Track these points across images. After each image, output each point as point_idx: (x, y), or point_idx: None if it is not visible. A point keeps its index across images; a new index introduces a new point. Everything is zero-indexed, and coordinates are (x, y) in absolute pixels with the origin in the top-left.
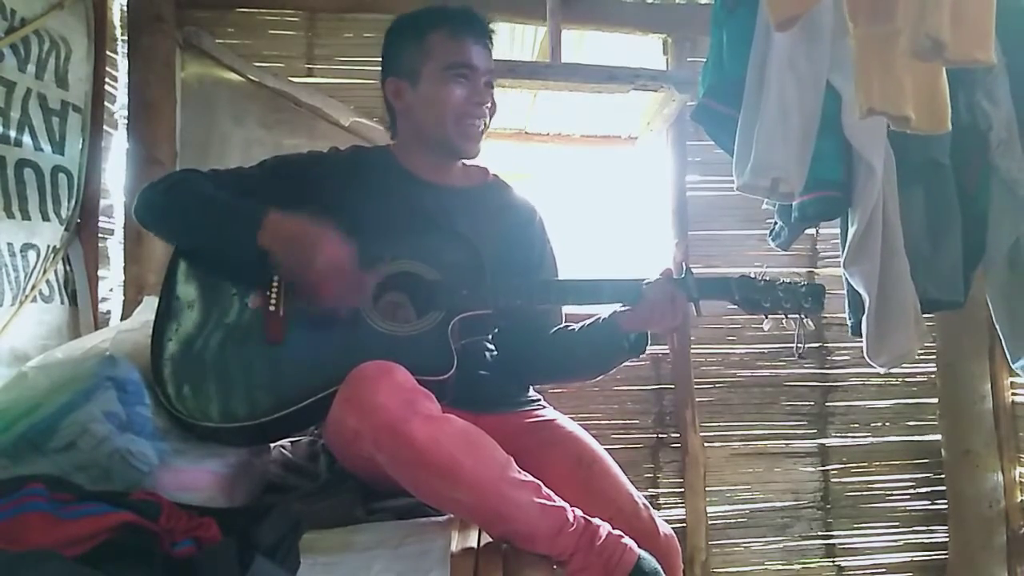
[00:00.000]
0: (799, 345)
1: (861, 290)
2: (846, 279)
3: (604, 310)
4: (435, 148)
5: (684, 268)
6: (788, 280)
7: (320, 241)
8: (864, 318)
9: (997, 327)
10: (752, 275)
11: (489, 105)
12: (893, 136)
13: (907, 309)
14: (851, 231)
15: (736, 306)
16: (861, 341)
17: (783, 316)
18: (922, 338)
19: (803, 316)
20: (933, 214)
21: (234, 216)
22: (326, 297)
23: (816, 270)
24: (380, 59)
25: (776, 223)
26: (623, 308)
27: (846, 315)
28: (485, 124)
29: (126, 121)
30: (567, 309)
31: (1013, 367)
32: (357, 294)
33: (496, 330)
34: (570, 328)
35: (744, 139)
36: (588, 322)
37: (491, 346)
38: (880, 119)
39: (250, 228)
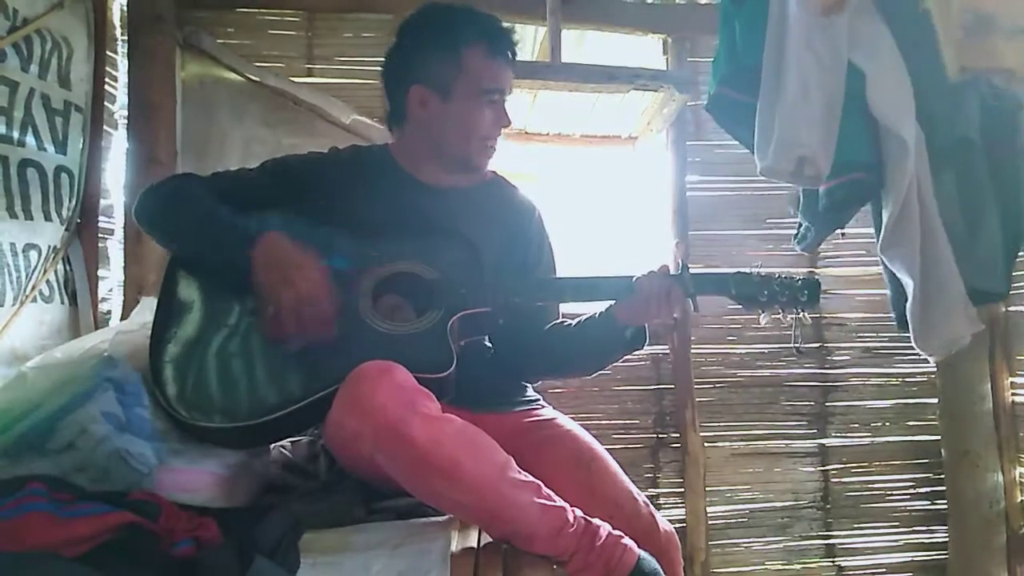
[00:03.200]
0: (797, 342)
1: (903, 275)
2: (884, 266)
3: (602, 306)
4: (449, 161)
5: (681, 264)
6: (784, 275)
7: (299, 273)
8: (908, 305)
9: None
10: (748, 270)
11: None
12: (919, 116)
13: (952, 291)
14: (885, 214)
15: (733, 301)
16: (865, 341)
17: (780, 311)
18: (972, 322)
19: (800, 310)
20: (967, 197)
21: (227, 234)
22: (288, 324)
23: (816, 270)
24: (383, 58)
25: (800, 225)
26: (620, 301)
27: (888, 310)
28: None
29: (126, 121)
30: (565, 307)
31: None
32: (321, 329)
33: (495, 330)
34: (567, 323)
35: (765, 123)
36: (585, 317)
37: (490, 346)
38: (907, 91)
39: (243, 248)
